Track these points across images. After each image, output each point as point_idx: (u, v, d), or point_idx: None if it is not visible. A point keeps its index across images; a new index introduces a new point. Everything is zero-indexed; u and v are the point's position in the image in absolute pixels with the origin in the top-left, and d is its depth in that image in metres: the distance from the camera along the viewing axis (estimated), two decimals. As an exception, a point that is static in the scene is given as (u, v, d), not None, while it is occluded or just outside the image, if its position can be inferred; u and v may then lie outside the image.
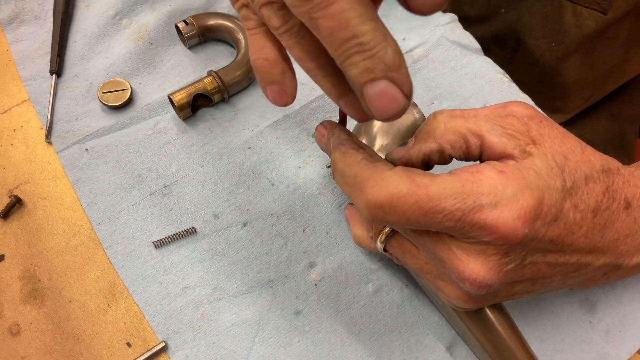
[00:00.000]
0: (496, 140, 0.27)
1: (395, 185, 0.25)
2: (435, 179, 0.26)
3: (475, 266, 0.26)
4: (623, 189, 0.30)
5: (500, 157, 0.27)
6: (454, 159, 0.30)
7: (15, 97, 0.46)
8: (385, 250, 0.33)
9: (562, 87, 0.62)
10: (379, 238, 0.32)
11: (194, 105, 0.44)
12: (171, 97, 0.42)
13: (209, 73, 0.43)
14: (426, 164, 0.30)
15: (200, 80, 0.43)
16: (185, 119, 0.44)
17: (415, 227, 0.26)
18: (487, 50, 0.50)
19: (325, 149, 0.34)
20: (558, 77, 0.62)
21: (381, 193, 0.25)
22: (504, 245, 0.26)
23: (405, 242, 0.31)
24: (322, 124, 0.34)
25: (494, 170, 0.26)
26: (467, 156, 0.29)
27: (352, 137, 0.30)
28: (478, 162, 0.29)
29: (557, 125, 0.29)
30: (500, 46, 0.64)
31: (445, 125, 0.29)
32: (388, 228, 0.31)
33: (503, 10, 0.62)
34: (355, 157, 0.28)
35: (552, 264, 0.28)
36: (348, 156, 0.28)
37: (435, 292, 0.32)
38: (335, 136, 0.31)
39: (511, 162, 0.27)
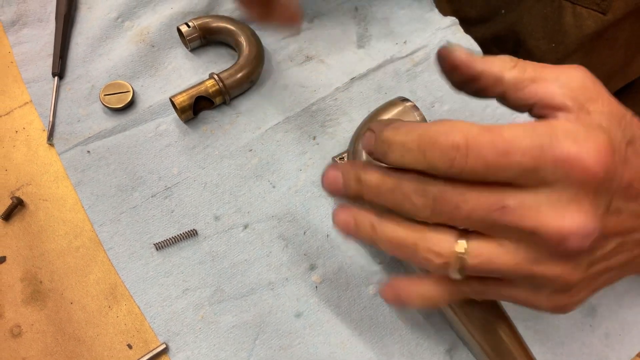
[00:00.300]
0: (559, 91, 0.27)
1: (468, 128, 0.25)
2: (502, 126, 0.25)
3: (571, 216, 0.25)
4: None
5: (557, 109, 0.27)
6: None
7: (18, 99, 0.46)
8: (464, 278, 0.28)
9: None
10: (454, 264, 0.27)
11: (196, 108, 0.44)
12: (173, 99, 0.42)
13: (211, 75, 0.44)
14: (474, 88, 0.29)
15: (202, 82, 0.43)
16: (186, 121, 0.44)
17: (492, 177, 0.25)
18: (488, 51, 0.50)
19: (345, 191, 0.31)
20: None
21: (456, 135, 0.25)
22: (591, 182, 0.24)
23: (484, 243, 0.27)
24: (331, 167, 0.31)
25: (561, 118, 0.26)
26: (519, 101, 0.28)
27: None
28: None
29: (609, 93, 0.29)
30: (501, 47, 0.64)
31: (517, 63, 0.29)
32: (459, 245, 0.27)
33: (503, 11, 0.62)
34: (412, 123, 0.28)
35: (633, 214, 0.27)
36: (403, 125, 0.28)
37: (531, 298, 0.29)
38: (376, 124, 0.29)
39: (571, 115, 0.27)
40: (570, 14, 0.56)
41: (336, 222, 0.32)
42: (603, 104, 0.28)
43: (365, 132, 0.31)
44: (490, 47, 0.64)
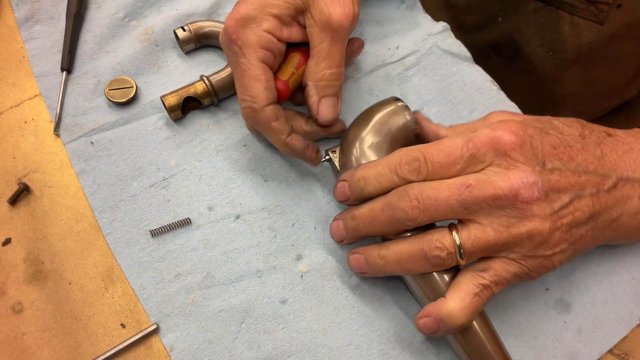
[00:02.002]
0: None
1: (419, 146, 0.35)
2: (443, 139, 0.35)
3: (514, 176, 0.32)
4: (598, 127, 0.37)
5: None
6: None
7: (28, 92, 0.48)
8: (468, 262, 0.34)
9: (557, 96, 0.64)
10: (456, 251, 0.33)
11: (185, 107, 0.46)
12: (163, 99, 0.45)
13: (201, 77, 0.46)
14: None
15: (192, 84, 0.45)
16: (175, 119, 0.46)
17: (449, 172, 0.33)
18: (486, 57, 0.51)
19: (346, 232, 0.39)
20: (554, 85, 0.63)
21: (414, 151, 0.34)
22: (514, 149, 0.32)
23: (468, 227, 0.33)
24: (334, 220, 0.40)
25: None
26: None
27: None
28: None
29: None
30: (500, 53, 0.65)
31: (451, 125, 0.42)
32: (454, 235, 0.33)
33: (500, 19, 0.63)
34: (371, 160, 0.38)
35: (574, 172, 0.34)
36: (368, 163, 0.37)
37: (523, 265, 0.33)
38: (343, 175, 0.38)
39: None
40: (568, 23, 0.57)
41: (350, 265, 0.39)
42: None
43: (335, 187, 0.39)
44: (489, 53, 0.66)
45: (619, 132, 0.38)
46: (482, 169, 0.33)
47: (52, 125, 0.47)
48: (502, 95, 0.49)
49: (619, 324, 0.39)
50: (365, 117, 0.41)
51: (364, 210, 0.36)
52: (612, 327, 0.39)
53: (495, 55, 0.65)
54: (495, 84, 0.49)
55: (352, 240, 0.38)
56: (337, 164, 0.41)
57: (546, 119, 0.36)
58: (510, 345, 0.39)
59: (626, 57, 0.59)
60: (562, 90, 0.63)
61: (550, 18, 0.58)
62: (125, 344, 0.38)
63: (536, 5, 0.59)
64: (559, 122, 0.36)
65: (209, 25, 0.49)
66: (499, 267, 0.34)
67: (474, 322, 0.36)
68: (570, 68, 0.60)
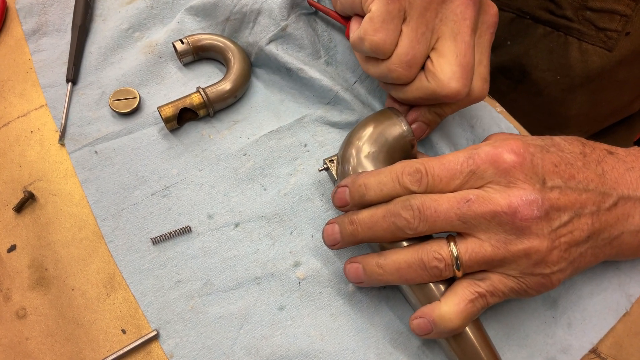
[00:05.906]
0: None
1: (421, 159, 0.35)
2: (443, 155, 0.35)
3: (514, 193, 0.32)
4: (599, 145, 0.38)
5: None
6: None
7: (34, 102, 0.50)
8: (464, 274, 0.35)
9: (564, 117, 0.64)
10: (453, 263, 0.34)
11: (181, 118, 0.47)
12: (159, 109, 0.46)
13: (197, 89, 0.47)
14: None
15: (188, 95, 0.46)
16: (172, 130, 0.47)
17: (449, 186, 0.34)
18: (493, 79, 0.50)
19: (341, 237, 0.38)
20: (561, 107, 0.63)
21: (415, 163, 0.35)
22: (514, 167, 0.32)
23: (466, 241, 0.34)
24: (328, 222, 0.39)
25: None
26: None
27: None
28: None
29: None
30: (507, 76, 0.65)
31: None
32: (452, 247, 0.34)
33: (509, 42, 0.64)
34: (372, 170, 0.38)
35: (575, 190, 0.34)
36: (370, 171, 0.37)
37: (520, 281, 0.34)
38: (343, 181, 0.38)
39: None
40: (577, 49, 0.57)
41: (347, 275, 0.38)
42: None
43: (333, 192, 0.39)
44: (496, 75, 0.65)
45: (620, 151, 0.38)
46: (482, 186, 0.33)
47: (58, 135, 0.48)
48: (496, 102, 0.50)
49: (607, 314, 0.40)
50: (362, 127, 0.42)
51: (365, 215, 0.36)
52: (600, 318, 0.40)
53: (503, 77, 0.65)
54: (493, 99, 0.50)
55: (345, 245, 0.38)
56: (334, 173, 0.42)
57: (547, 137, 0.37)
58: (503, 344, 0.39)
59: (634, 80, 0.59)
60: (569, 111, 0.63)
61: (558, 43, 0.59)
62: (125, 349, 0.39)
63: (545, 31, 0.59)
64: (560, 140, 0.37)
65: (206, 38, 0.50)
66: (497, 280, 0.34)
67: (467, 329, 0.36)
68: (578, 91, 0.60)
